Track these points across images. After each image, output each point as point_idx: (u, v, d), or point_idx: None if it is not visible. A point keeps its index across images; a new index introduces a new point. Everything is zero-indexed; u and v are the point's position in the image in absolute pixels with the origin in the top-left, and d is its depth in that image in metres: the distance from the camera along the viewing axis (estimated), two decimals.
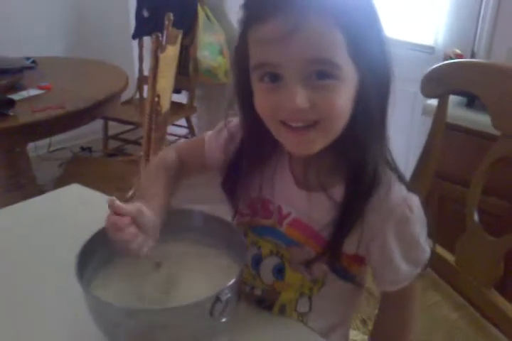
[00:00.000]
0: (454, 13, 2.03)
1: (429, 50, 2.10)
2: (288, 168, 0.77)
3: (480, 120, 1.52)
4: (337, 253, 0.73)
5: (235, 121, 0.82)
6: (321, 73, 0.61)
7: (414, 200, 0.72)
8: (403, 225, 0.70)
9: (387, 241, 0.71)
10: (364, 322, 0.99)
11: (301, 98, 0.61)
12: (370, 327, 0.99)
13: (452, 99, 1.06)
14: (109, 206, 0.66)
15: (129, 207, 0.67)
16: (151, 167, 0.88)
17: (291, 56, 0.60)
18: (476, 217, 1.01)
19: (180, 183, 0.86)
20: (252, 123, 0.72)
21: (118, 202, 0.66)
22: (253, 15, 0.63)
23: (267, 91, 0.64)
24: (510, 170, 1.10)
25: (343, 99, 0.63)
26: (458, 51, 1.88)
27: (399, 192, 0.71)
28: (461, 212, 1.04)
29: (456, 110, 1.59)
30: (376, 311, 0.83)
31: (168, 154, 0.88)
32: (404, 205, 0.70)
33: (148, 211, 0.69)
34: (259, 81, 0.65)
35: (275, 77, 0.63)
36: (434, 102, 1.07)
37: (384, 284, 0.76)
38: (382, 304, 0.82)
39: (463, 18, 2.01)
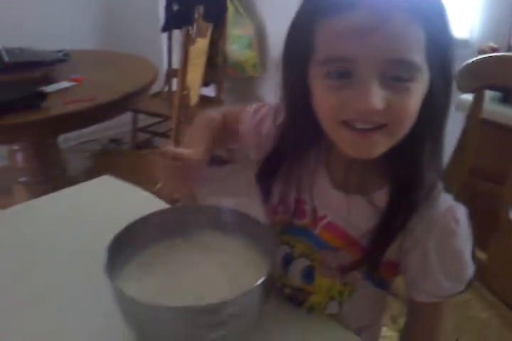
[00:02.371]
0: (490, 5, 1.99)
1: (464, 43, 2.05)
2: (325, 168, 0.74)
3: None
4: (377, 263, 0.71)
5: (269, 105, 0.81)
6: (399, 74, 0.57)
7: (461, 212, 0.68)
8: (446, 237, 0.67)
9: (427, 251, 0.68)
10: (393, 319, 0.98)
11: (376, 98, 0.56)
12: (400, 324, 0.98)
13: (487, 94, 1.04)
14: (162, 152, 0.71)
15: (178, 151, 0.72)
16: (196, 123, 0.88)
17: (372, 53, 0.56)
18: (509, 214, 0.99)
19: (222, 141, 0.88)
20: (299, 120, 0.68)
21: (170, 148, 0.72)
22: (329, 5, 0.58)
23: (334, 88, 0.59)
24: None
25: (416, 102, 0.60)
26: (493, 45, 1.84)
27: (445, 201, 0.68)
28: (494, 210, 1.02)
29: (491, 105, 1.55)
30: (404, 309, 0.81)
31: (212, 114, 0.89)
32: (449, 216, 0.67)
33: (196, 156, 0.74)
34: (325, 77, 0.60)
35: (345, 74, 0.58)
36: (468, 97, 1.05)
37: (419, 294, 0.73)
38: (413, 314, 0.79)
39: (498, 11, 1.96)
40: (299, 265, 0.78)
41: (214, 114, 0.89)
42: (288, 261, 0.79)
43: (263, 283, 0.61)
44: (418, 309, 0.77)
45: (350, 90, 0.58)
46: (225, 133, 0.86)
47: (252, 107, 0.84)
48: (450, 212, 0.68)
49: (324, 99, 0.61)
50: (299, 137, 0.71)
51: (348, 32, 0.56)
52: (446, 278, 0.69)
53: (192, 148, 0.76)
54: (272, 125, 0.78)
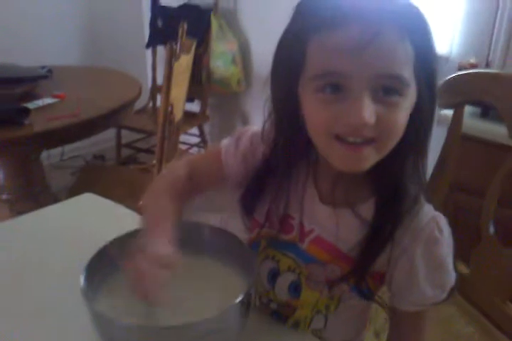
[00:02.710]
0: (469, 23, 2.03)
1: (444, 60, 2.09)
2: (312, 182, 0.75)
3: (495, 131, 1.51)
4: (365, 274, 0.72)
5: (252, 129, 0.80)
6: (389, 89, 0.59)
7: (443, 221, 0.70)
8: (431, 246, 0.69)
9: (413, 260, 0.69)
10: (377, 334, 0.98)
11: (369, 112, 0.57)
12: (382, 339, 0.97)
13: (466, 109, 1.05)
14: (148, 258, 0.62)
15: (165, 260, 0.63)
16: (157, 187, 0.81)
17: (364, 69, 0.57)
18: (491, 228, 1.00)
19: (190, 200, 0.82)
20: (288, 135, 0.69)
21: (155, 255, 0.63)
22: (321, 22, 0.58)
23: (326, 102, 0.60)
24: None
25: (405, 117, 0.61)
26: (472, 61, 1.87)
27: (428, 212, 0.70)
28: (476, 224, 1.02)
29: (471, 120, 1.58)
30: (387, 324, 0.81)
31: (176, 169, 0.83)
32: (433, 225, 0.69)
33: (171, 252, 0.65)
34: (318, 91, 0.60)
35: (337, 88, 0.59)
36: (448, 112, 1.06)
37: (403, 303, 0.74)
38: (395, 324, 0.79)
39: (478, 28, 2.00)
40: (285, 279, 0.78)
41: (178, 168, 0.83)
42: (274, 276, 0.79)
43: (239, 303, 0.61)
44: (401, 318, 0.78)
45: (343, 104, 0.59)
46: (194, 184, 0.81)
47: (229, 140, 0.81)
48: (433, 221, 0.69)
49: (316, 113, 0.62)
50: (289, 152, 0.72)
51: (341, 48, 0.57)
52: (431, 285, 0.70)
53: (156, 238, 0.67)
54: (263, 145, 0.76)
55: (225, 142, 0.81)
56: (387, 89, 0.59)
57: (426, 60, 0.61)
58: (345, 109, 0.59)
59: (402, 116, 0.60)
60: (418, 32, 0.59)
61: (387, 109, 0.59)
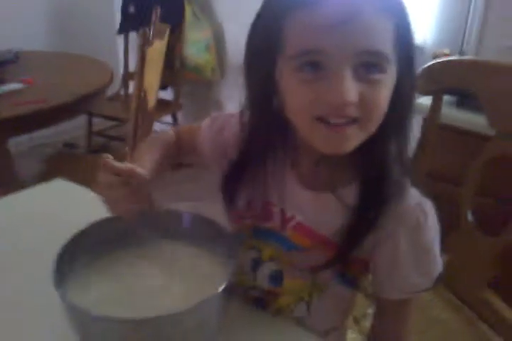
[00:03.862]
0: (443, 13, 2.04)
1: (418, 50, 2.09)
2: (292, 168, 0.73)
3: (471, 120, 1.52)
4: (349, 260, 0.70)
5: (226, 114, 0.80)
6: (371, 66, 0.57)
7: (429, 206, 0.69)
8: (417, 231, 0.67)
9: (398, 246, 0.68)
10: (356, 320, 0.98)
11: (349, 90, 0.56)
12: (363, 325, 0.97)
13: (443, 98, 1.05)
14: (102, 165, 0.62)
15: (123, 166, 0.62)
16: (146, 141, 0.82)
17: (345, 45, 0.55)
18: (469, 216, 1.00)
19: (174, 159, 0.84)
20: (264, 119, 0.67)
21: (112, 161, 0.62)
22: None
23: (307, 82, 0.58)
24: (502, 170, 1.09)
25: (387, 95, 0.60)
26: (446, 51, 1.89)
27: (414, 196, 0.68)
28: (453, 212, 1.03)
29: (447, 110, 1.59)
30: (369, 310, 0.81)
31: (166, 133, 0.86)
32: (418, 210, 0.67)
33: (141, 171, 0.63)
34: (297, 71, 0.58)
35: (317, 67, 0.57)
36: (425, 101, 1.06)
37: (388, 291, 0.73)
38: (380, 311, 0.78)
39: (452, 18, 2.02)
40: (266, 269, 0.77)
41: (167, 132, 0.87)
42: (256, 264, 0.77)
43: (219, 293, 0.59)
44: (385, 306, 0.76)
45: (323, 83, 0.57)
46: (179, 149, 0.84)
47: (207, 120, 0.83)
48: (419, 206, 0.68)
49: (297, 94, 0.60)
50: (266, 138, 0.70)
51: (319, 25, 0.55)
52: (416, 272, 0.69)
53: (139, 164, 0.67)
54: (234, 131, 0.76)
55: (205, 122, 0.83)
56: (368, 66, 0.57)
57: (405, 39, 0.60)
58: (326, 88, 0.57)
59: (384, 94, 0.59)
60: (398, 9, 0.59)
61: (369, 87, 0.58)
